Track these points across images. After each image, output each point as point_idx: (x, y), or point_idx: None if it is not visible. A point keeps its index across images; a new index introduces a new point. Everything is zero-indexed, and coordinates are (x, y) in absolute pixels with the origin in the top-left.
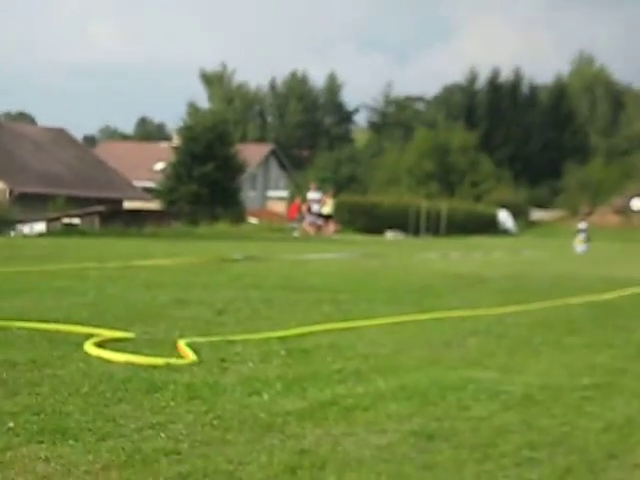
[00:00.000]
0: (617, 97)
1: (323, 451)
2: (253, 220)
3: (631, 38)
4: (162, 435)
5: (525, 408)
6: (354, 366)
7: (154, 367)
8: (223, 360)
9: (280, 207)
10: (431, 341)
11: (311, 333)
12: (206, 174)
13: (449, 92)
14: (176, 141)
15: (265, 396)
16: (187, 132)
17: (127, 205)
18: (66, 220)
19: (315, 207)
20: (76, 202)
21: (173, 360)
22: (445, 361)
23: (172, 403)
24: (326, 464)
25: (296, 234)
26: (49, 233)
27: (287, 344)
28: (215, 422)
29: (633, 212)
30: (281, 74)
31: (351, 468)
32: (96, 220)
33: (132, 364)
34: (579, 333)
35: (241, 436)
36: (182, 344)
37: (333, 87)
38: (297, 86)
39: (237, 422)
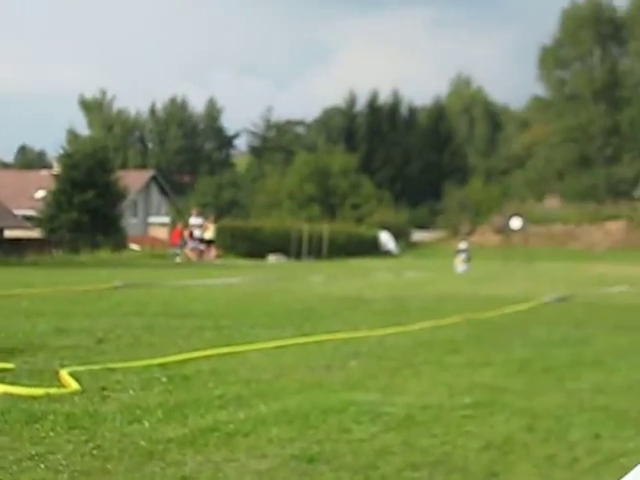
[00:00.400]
0: (495, 118)
1: (204, 478)
2: (135, 247)
3: (507, 59)
4: (41, 466)
5: (406, 429)
6: (235, 391)
7: (34, 398)
8: (104, 388)
9: (162, 233)
10: (312, 364)
11: (192, 359)
12: (87, 201)
13: (329, 115)
14: (56, 169)
15: (146, 424)
16: (67, 159)
17: (7, 234)
18: None
19: (197, 232)
20: None
21: (53, 390)
22: (326, 384)
23: (52, 433)
24: None
25: (178, 260)
26: None
27: (168, 371)
28: (95, 451)
29: (512, 231)
30: (161, 100)
31: None
32: None
33: (11, 395)
34: (459, 352)
35: (121, 465)
36: (64, 373)
37: (213, 112)
38: (177, 112)
39: (117, 451)
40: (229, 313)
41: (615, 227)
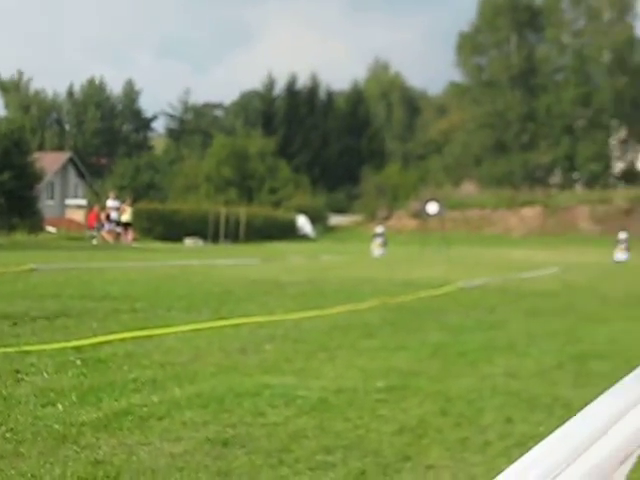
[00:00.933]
0: (412, 103)
1: (118, 461)
2: (51, 229)
3: (425, 45)
4: None
5: (320, 412)
6: (150, 375)
7: None
8: (17, 371)
9: (79, 215)
10: (228, 348)
11: (107, 342)
12: (2, 183)
13: (247, 99)
14: None
15: (60, 407)
16: None
17: None
18: None
19: (114, 215)
20: None
21: None
22: (241, 367)
23: None
24: (120, 474)
25: (95, 242)
26: None
27: (83, 354)
28: (8, 435)
29: (429, 216)
30: (78, 81)
31: (145, 477)
32: None
33: None
34: (375, 336)
35: (34, 448)
36: None
37: (131, 94)
38: (95, 93)
39: (31, 434)
40: (145, 296)
41: (530, 213)
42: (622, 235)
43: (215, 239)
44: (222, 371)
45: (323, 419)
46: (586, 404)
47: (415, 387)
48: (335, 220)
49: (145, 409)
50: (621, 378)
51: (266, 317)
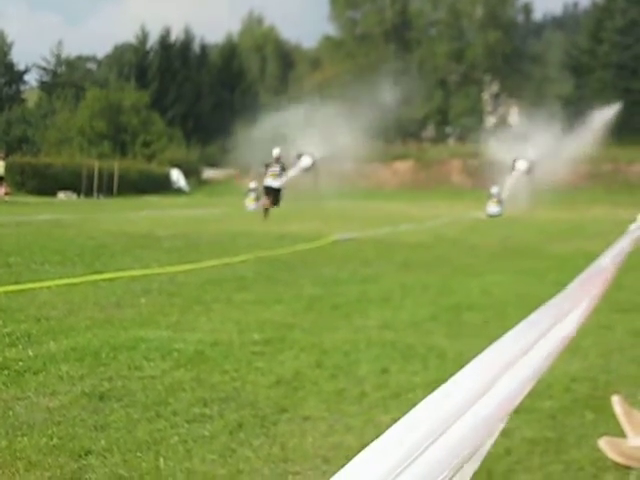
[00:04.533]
0: (286, 57)
1: None
2: None
3: None
4: None
5: (197, 365)
6: (25, 329)
7: None
8: None
9: None
10: (103, 302)
11: None
12: None
13: (120, 52)
14: None
15: None
16: None
17: None
18: None
19: None
20: None
21: None
22: (117, 321)
23: None
24: None
25: None
26: None
27: None
28: None
29: (302, 170)
30: None
31: (22, 432)
32: None
33: None
34: (249, 290)
35: None
36: None
37: (3, 47)
38: None
39: None
40: (18, 250)
41: (403, 167)
42: (494, 189)
43: (89, 193)
44: (97, 325)
45: (200, 372)
46: (460, 354)
47: (291, 340)
48: (209, 174)
49: (21, 363)
50: (493, 328)
51: (141, 271)
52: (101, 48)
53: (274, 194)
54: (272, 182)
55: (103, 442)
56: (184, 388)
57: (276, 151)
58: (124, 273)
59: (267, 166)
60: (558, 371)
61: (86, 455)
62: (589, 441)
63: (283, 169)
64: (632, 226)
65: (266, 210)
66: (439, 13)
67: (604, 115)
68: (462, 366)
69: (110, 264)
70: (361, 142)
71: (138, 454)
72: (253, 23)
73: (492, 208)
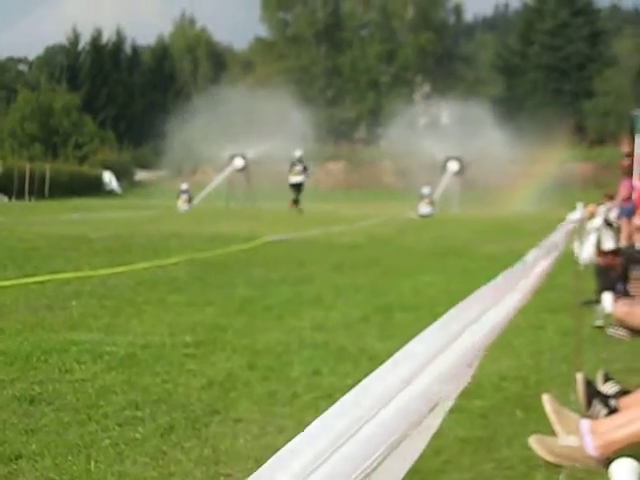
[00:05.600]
0: (219, 58)
1: None
2: None
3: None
4: None
5: (128, 368)
6: None
7: None
8: None
9: None
10: (34, 305)
11: None
12: None
13: (52, 53)
14: None
15: None
16: None
17: None
18: None
19: None
20: None
21: None
22: (48, 324)
23: None
24: None
25: None
26: None
27: None
28: None
29: (235, 170)
30: None
31: None
32: None
33: None
34: (181, 291)
35: None
36: None
37: None
38: None
39: None
40: None
41: (336, 167)
42: (426, 190)
43: (20, 195)
44: (28, 328)
45: (131, 374)
46: (391, 355)
47: (222, 341)
48: (141, 175)
49: None
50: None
51: (72, 273)
52: (32, 49)
53: (297, 189)
54: (295, 179)
55: (34, 446)
56: (115, 391)
57: (298, 153)
58: (55, 276)
59: (292, 165)
60: (489, 370)
61: (17, 459)
62: (520, 440)
63: (305, 168)
64: (560, 225)
65: (298, 209)
66: (370, 14)
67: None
68: None
69: (41, 267)
70: (294, 143)
71: (69, 457)
72: (185, 24)
73: (424, 208)
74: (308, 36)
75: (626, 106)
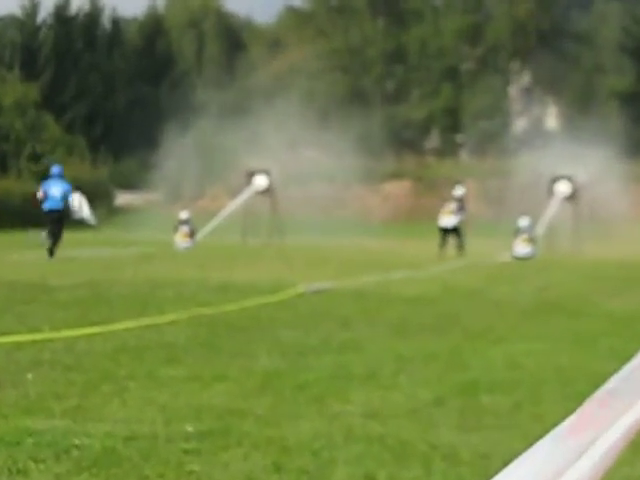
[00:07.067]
0: (233, 36)
1: None
2: None
3: None
4: None
5: (105, 469)
6: None
7: None
8: None
9: None
10: None
11: None
12: None
13: (0, 28)
14: None
15: None
16: None
17: None
18: None
19: None
20: None
21: None
22: None
23: None
24: None
25: None
26: None
27: None
28: None
29: (256, 193)
30: None
31: None
32: None
33: None
34: (181, 362)
35: None
36: None
37: None
38: None
39: None
40: None
41: (397, 190)
42: (523, 222)
43: None
44: None
45: (110, 478)
46: (478, 455)
47: (238, 432)
48: (124, 199)
49: None
50: (525, 418)
51: (28, 335)
52: None
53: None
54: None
55: None
56: None
57: None
58: (4, 339)
59: None
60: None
61: None
62: None
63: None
64: None
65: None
66: None
67: None
68: (482, 474)
69: None
70: (338, 156)
71: None
72: None
73: (521, 248)
74: (360, 5)
75: None
